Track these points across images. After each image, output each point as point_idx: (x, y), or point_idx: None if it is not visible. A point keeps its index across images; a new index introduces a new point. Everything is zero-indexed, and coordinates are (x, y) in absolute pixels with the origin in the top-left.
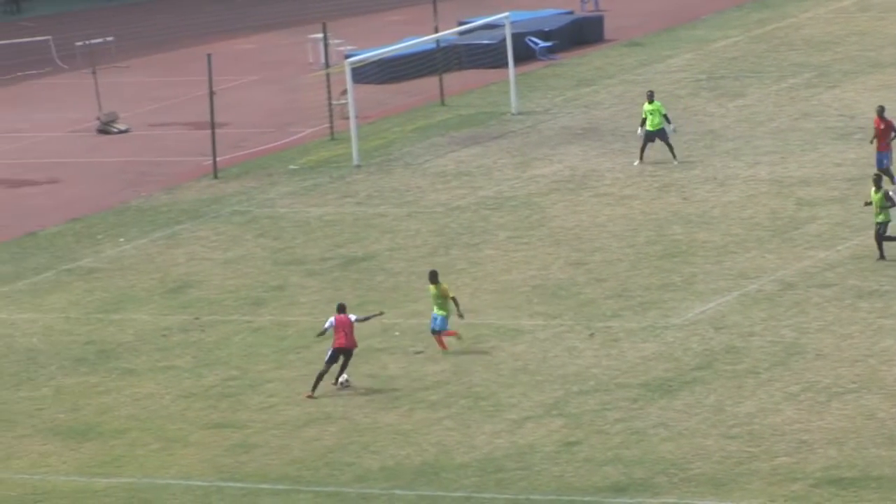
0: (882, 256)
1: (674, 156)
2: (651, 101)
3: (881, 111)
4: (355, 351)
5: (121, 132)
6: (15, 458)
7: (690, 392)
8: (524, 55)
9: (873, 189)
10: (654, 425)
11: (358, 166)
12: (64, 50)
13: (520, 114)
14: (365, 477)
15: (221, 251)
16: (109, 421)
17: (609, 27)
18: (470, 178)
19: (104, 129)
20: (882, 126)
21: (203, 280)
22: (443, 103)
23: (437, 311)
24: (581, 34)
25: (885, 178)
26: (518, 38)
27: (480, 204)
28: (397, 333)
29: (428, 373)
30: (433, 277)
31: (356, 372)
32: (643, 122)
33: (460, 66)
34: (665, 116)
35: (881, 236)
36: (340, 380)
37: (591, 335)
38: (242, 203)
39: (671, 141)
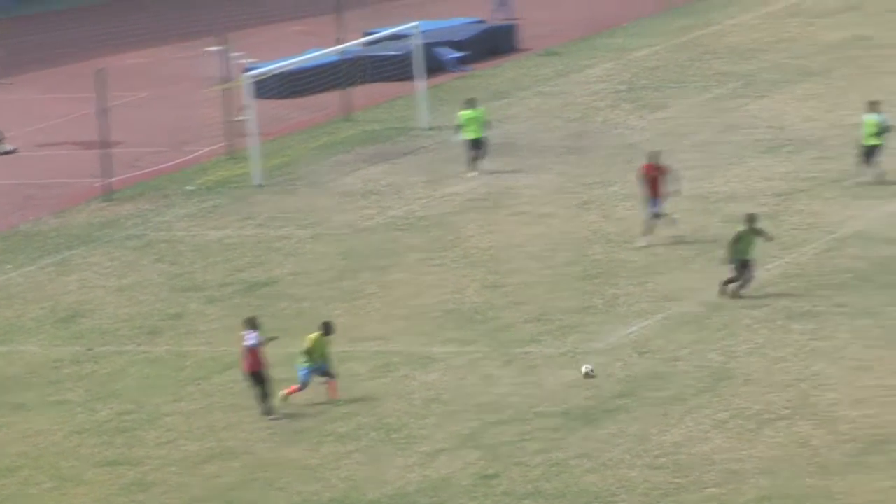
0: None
1: (476, 168)
2: (471, 108)
3: (654, 157)
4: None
5: (6, 153)
6: None
7: (614, 421)
8: (434, 67)
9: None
10: (575, 456)
11: (259, 186)
12: None
13: (430, 129)
14: None
15: (115, 278)
16: None
17: (523, 36)
18: (378, 198)
19: None
20: (654, 173)
21: (96, 309)
22: (348, 118)
23: (308, 363)
24: (494, 44)
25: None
26: (427, 49)
27: (390, 224)
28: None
29: (335, 404)
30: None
31: (249, 404)
32: (459, 129)
33: (366, 79)
34: (486, 124)
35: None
36: (266, 412)
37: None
38: (137, 226)
39: (486, 151)
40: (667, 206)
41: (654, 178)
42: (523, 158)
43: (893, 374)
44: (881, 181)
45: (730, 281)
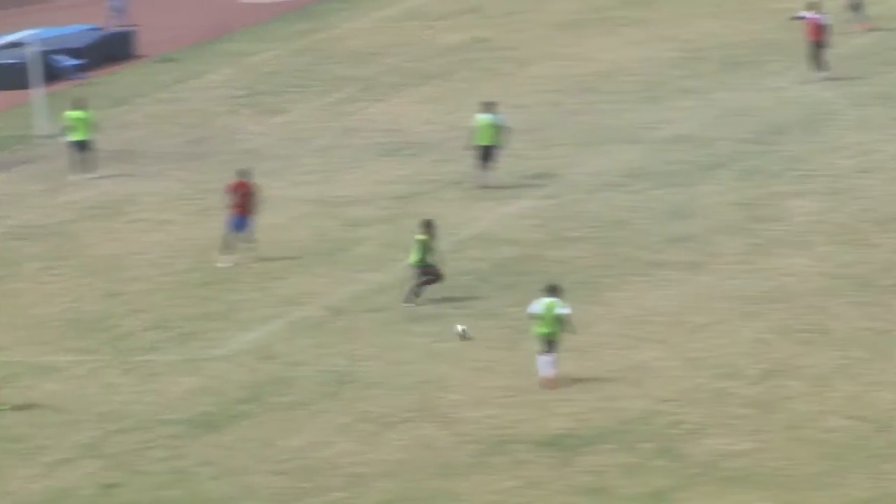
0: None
1: (87, 171)
2: (78, 109)
3: (244, 174)
4: None
5: None
6: None
7: (237, 427)
8: (52, 75)
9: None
10: (198, 463)
11: None
12: None
13: (49, 137)
14: None
15: None
16: None
17: (142, 42)
18: None
19: None
20: (242, 190)
21: None
22: None
23: None
24: (111, 51)
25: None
26: (44, 57)
27: (8, 234)
28: None
29: None
30: None
31: None
32: (66, 130)
33: None
34: (93, 126)
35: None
36: None
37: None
38: None
39: (94, 154)
40: (255, 225)
41: (243, 196)
42: (142, 165)
43: (514, 375)
44: (498, 183)
45: (419, 285)
